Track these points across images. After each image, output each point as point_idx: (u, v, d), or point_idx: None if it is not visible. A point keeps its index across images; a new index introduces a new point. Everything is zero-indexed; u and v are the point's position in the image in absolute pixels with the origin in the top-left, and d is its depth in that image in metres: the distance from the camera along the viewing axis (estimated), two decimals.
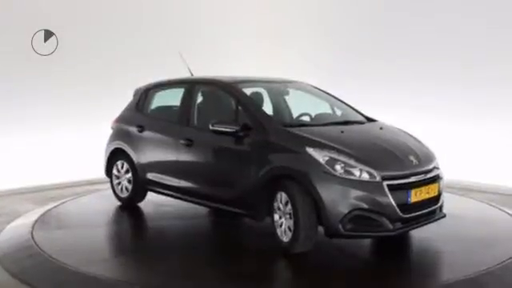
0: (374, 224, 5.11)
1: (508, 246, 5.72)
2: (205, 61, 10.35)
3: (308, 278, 4.92)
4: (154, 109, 7.53)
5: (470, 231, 6.32)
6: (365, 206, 5.05)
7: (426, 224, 5.54)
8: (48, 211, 7.40)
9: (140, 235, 6.84)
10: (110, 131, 7.83)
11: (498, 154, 9.33)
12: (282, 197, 5.41)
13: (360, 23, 11.40)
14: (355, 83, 10.96)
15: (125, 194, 7.57)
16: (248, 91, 6.46)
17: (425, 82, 10.27)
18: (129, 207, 7.56)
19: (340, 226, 5.05)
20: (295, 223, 5.23)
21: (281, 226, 5.48)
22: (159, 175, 6.98)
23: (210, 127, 5.99)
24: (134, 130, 7.36)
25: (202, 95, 6.89)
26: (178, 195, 6.82)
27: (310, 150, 5.26)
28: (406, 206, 5.20)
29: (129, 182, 7.47)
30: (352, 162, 5.16)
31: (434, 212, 5.64)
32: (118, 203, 7.67)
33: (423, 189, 5.40)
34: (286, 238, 5.41)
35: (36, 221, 6.82)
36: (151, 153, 7.11)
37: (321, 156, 5.19)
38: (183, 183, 6.64)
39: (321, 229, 5.22)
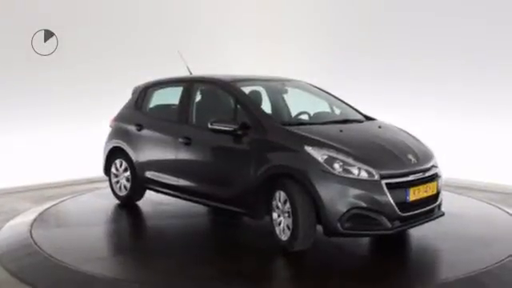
0: (373, 222, 5.12)
1: (507, 244, 5.72)
2: (204, 60, 10.37)
3: (307, 277, 4.92)
4: (152, 107, 7.52)
5: (468, 230, 6.32)
6: (363, 204, 5.05)
7: (424, 222, 5.55)
8: (47, 210, 7.40)
9: (138, 234, 6.84)
10: (109, 130, 7.82)
11: (497, 153, 9.33)
12: (281, 195, 5.41)
13: (360, 22, 11.38)
14: (355, 82, 10.96)
15: (123, 193, 7.57)
16: (247, 90, 6.46)
17: (424, 81, 10.26)
18: (127, 206, 7.56)
19: (339, 225, 5.06)
20: (294, 222, 5.23)
21: (279, 224, 5.48)
22: (158, 174, 6.98)
23: (209, 126, 5.98)
24: (132, 128, 7.36)
25: (201, 94, 6.89)
26: (177, 194, 6.81)
27: (309, 149, 5.26)
28: (404, 205, 5.20)
29: (127, 180, 7.47)
30: (350, 160, 5.16)
31: (432, 210, 5.65)
32: (117, 202, 7.67)
33: (422, 187, 5.40)
34: (284, 237, 5.41)
35: (35, 219, 6.82)
36: (150, 151, 7.11)
37: (319, 155, 5.19)
38: (182, 182, 6.64)
39: (319, 227, 5.22)
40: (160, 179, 6.95)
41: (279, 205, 5.46)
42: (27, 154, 9.50)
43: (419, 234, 5.95)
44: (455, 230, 6.21)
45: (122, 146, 7.45)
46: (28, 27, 9.47)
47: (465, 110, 9.75)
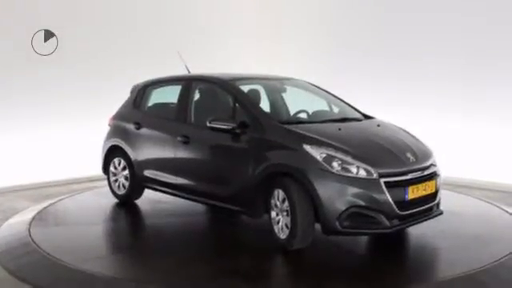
0: (371, 221, 5.12)
1: (505, 243, 5.72)
2: (204, 59, 10.35)
3: (305, 275, 4.92)
4: (151, 106, 7.52)
5: (467, 228, 6.33)
6: (362, 203, 5.05)
7: (423, 221, 5.55)
8: (45, 208, 7.40)
9: (137, 232, 6.83)
10: (108, 128, 7.82)
11: (495, 152, 9.33)
12: (279, 194, 5.42)
13: (360, 21, 11.37)
14: (355, 81, 10.95)
15: (122, 191, 7.57)
16: (245, 88, 6.45)
17: (424, 81, 10.26)
18: (126, 204, 7.56)
19: (337, 223, 5.06)
20: (292, 220, 5.23)
21: (278, 223, 5.48)
22: (156, 172, 6.98)
23: (208, 124, 5.98)
24: (131, 127, 7.35)
25: (200, 92, 6.89)
26: (175, 192, 6.81)
27: (307, 148, 5.26)
28: (403, 203, 5.20)
29: (126, 179, 7.47)
30: (349, 159, 5.16)
31: (431, 209, 5.65)
32: (115, 200, 7.67)
33: (420, 186, 5.40)
34: (283, 235, 5.41)
35: (33, 218, 6.82)
36: (148, 150, 7.10)
37: (318, 153, 5.19)
38: (180, 180, 6.64)
39: (318, 226, 5.22)
40: (158, 178, 6.95)
41: (278, 203, 5.46)
42: (26, 152, 9.49)
43: (418, 232, 5.95)
44: (454, 229, 6.22)
45: (121, 145, 7.45)
46: (28, 27, 9.47)
47: (464, 108, 9.75)
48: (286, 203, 5.30)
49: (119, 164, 7.56)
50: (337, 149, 5.24)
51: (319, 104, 6.87)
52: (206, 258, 5.43)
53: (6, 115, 9.29)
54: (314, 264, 5.23)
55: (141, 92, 7.59)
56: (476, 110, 9.62)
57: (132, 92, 7.78)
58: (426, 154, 5.82)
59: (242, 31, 12.41)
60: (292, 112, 6.95)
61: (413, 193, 5.30)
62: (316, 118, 6.41)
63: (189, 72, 7.67)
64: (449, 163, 7.81)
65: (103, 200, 7.79)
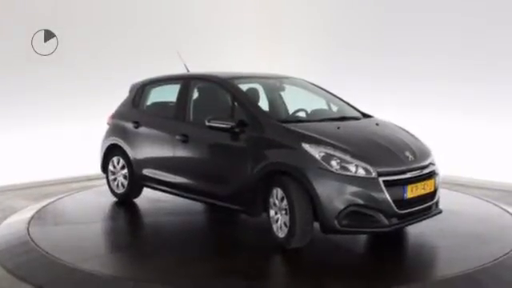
0: (370, 220, 5.11)
1: (504, 242, 5.72)
2: (203, 58, 10.37)
3: (304, 274, 4.92)
4: (149, 105, 7.52)
5: (466, 227, 6.33)
6: (361, 201, 5.05)
7: (422, 220, 5.55)
8: (44, 207, 7.40)
9: (135, 231, 6.83)
10: (106, 127, 7.82)
11: (494, 151, 9.34)
12: (278, 193, 5.41)
13: (359, 20, 11.36)
14: (354, 80, 10.95)
15: (121, 190, 7.57)
16: (244, 87, 6.45)
17: (423, 79, 10.25)
18: (124, 203, 7.56)
19: (336, 222, 5.05)
20: (291, 219, 5.23)
21: (277, 221, 5.48)
22: (155, 171, 6.98)
23: (206, 123, 5.97)
24: (129, 125, 7.35)
25: (198, 91, 6.89)
26: (174, 191, 6.82)
27: (306, 146, 5.26)
28: (401, 202, 5.20)
29: (125, 177, 7.47)
30: (348, 157, 5.16)
31: (430, 208, 5.65)
32: (114, 199, 7.67)
33: (419, 185, 5.40)
34: (281, 234, 5.41)
35: (32, 217, 6.82)
36: (147, 149, 7.10)
37: (317, 152, 5.19)
38: (179, 179, 6.64)
39: (316, 224, 5.22)
40: (157, 176, 6.95)
41: (276, 202, 5.46)
42: (24, 151, 9.49)
43: (417, 231, 5.96)
44: (453, 228, 6.21)
45: (120, 144, 7.45)
46: (28, 27, 9.47)
47: (463, 108, 9.75)
48: (285, 202, 5.30)
49: (118, 163, 7.56)
50: (336, 147, 5.24)
51: (318, 103, 6.87)
52: (204, 256, 5.44)
53: (5, 114, 9.28)
54: (312, 263, 5.23)
55: (140, 91, 7.59)
56: (475, 109, 9.61)
57: (131, 91, 7.78)
58: (425, 153, 5.82)
59: (242, 30, 12.40)
60: (291, 111, 6.94)
61: (411, 192, 5.30)
62: (315, 117, 6.41)
63: (187, 70, 7.67)
64: (448, 162, 7.81)
65: (102, 199, 7.79)
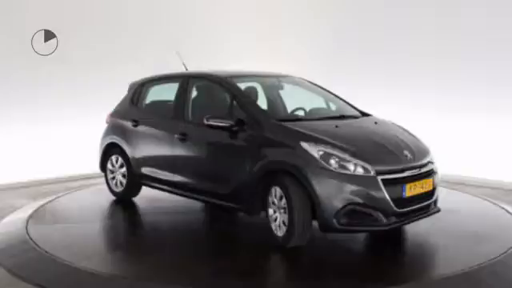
0: (369, 218, 5.11)
1: (502, 240, 5.72)
2: (202, 56, 10.36)
3: (302, 273, 4.93)
4: (148, 103, 7.52)
5: (464, 226, 6.34)
6: (359, 200, 5.05)
7: (420, 218, 5.54)
8: (43, 206, 7.40)
9: (134, 230, 6.83)
10: (105, 126, 7.81)
11: (493, 149, 9.35)
12: (277, 191, 5.41)
13: (359, 19, 11.38)
14: (354, 79, 10.96)
15: (119, 189, 7.57)
16: (242, 86, 6.45)
17: (422, 78, 10.27)
18: (123, 202, 7.56)
19: (334, 221, 5.05)
20: (290, 218, 5.23)
21: (275, 220, 5.48)
22: (154, 170, 6.98)
23: (205, 122, 5.96)
24: (128, 124, 7.35)
25: (197, 90, 6.88)
26: (173, 190, 6.82)
27: (305, 145, 5.26)
28: (400, 201, 5.20)
29: (123, 176, 7.47)
30: (346, 156, 5.16)
31: (428, 206, 5.65)
32: (113, 198, 7.67)
33: (418, 183, 5.40)
34: (280, 233, 5.41)
35: (31, 215, 6.82)
36: (146, 147, 7.10)
37: (315, 150, 5.19)
38: (178, 178, 6.64)
39: (315, 223, 5.22)
40: (156, 175, 6.95)
41: (275, 201, 5.45)
42: (23, 150, 9.49)
43: (415, 229, 5.96)
44: (451, 226, 6.22)
45: (118, 142, 7.44)
46: (28, 27, 9.47)
47: (461, 106, 9.75)
48: (284, 201, 5.30)
49: (117, 161, 7.56)
50: (334, 146, 5.23)
51: (316, 101, 6.86)
52: (202, 255, 5.44)
53: (4, 113, 9.28)
54: (311, 261, 5.24)
55: (138, 89, 7.59)
56: (474, 107, 9.62)
57: (129, 89, 7.77)
58: (424, 152, 5.82)
59: (241, 29, 12.39)
60: (289, 109, 6.95)
61: (410, 190, 5.30)
62: (313, 116, 6.42)
63: (186, 69, 7.66)
64: (446, 160, 7.81)
65: (101, 198, 7.78)
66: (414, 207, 5.38)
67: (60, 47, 9.80)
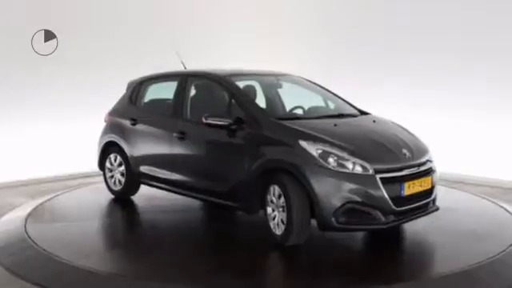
0: (367, 217, 5.11)
1: (501, 239, 5.72)
2: (201, 55, 10.36)
3: (301, 271, 4.93)
4: (147, 102, 7.51)
5: (463, 224, 6.33)
6: (358, 199, 5.05)
7: (419, 217, 5.55)
8: (41, 204, 7.39)
9: (132, 228, 6.83)
10: (104, 124, 7.81)
11: (492, 148, 9.35)
12: (275, 190, 5.41)
13: (359, 19, 11.37)
14: (353, 78, 10.96)
15: (118, 187, 7.57)
16: (241, 84, 6.44)
17: (422, 77, 10.26)
18: (122, 200, 7.55)
19: (333, 219, 5.05)
20: (288, 216, 5.23)
21: (274, 219, 5.48)
22: (152, 168, 6.97)
23: (203, 120, 5.96)
24: (127, 123, 7.34)
25: (196, 88, 6.87)
26: (171, 188, 6.81)
27: (303, 143, 5.25)
28: (399, 199, 5.20)
29: (122, 175, 7.47)
30: (345, 155, 5.15)
31: (427, 205, 5.65)
32: (111, 196, 7.66)
33: (416, 182, 5.40)
34: (278, 231, 5.41)
35: (29, 214, 6.81)
36: (144, 146, 7.10)
37: (314, 149, 5.18)
38: (176, 176, 6.63)
39: (314, 222, 5.22)
40: (154, 174, 6.94)
41: (273, 199, 5.45)
42: (22, 148, 9.49)
43: (414, 228, 5.96)
44: (450, 225, 6.22)
45: (117, 141, 7.44)
46: (28, 27, 9.47)
47: (461, 104, 9.75)
48: (282, 199, 5.29)
49: (115, 160, 7.55)
50: (333, 145, 5.23)
51: (315, 100, 6.86)
52: (201, 253, 5.44)
53: (4, 112, 9.28)
54: (309, 260, 5.24)
55: (137, 88, 7.58)
56: (473, 106, 9.62)
57: (128, 88, 7.77)
58: (422, 150, 5.82)
59: (240, 28, 12.38)
60: (288, 108, 6.95)
61: (409, 189, 5.30)
62: (312, 114, 6.41)
63: (185, 67, 7.66)
64: (445, 159, 7.81)
65: (99, 196, 7.78)
66: (412, 206, 5.38)
67: (60, 47, 9.80)
